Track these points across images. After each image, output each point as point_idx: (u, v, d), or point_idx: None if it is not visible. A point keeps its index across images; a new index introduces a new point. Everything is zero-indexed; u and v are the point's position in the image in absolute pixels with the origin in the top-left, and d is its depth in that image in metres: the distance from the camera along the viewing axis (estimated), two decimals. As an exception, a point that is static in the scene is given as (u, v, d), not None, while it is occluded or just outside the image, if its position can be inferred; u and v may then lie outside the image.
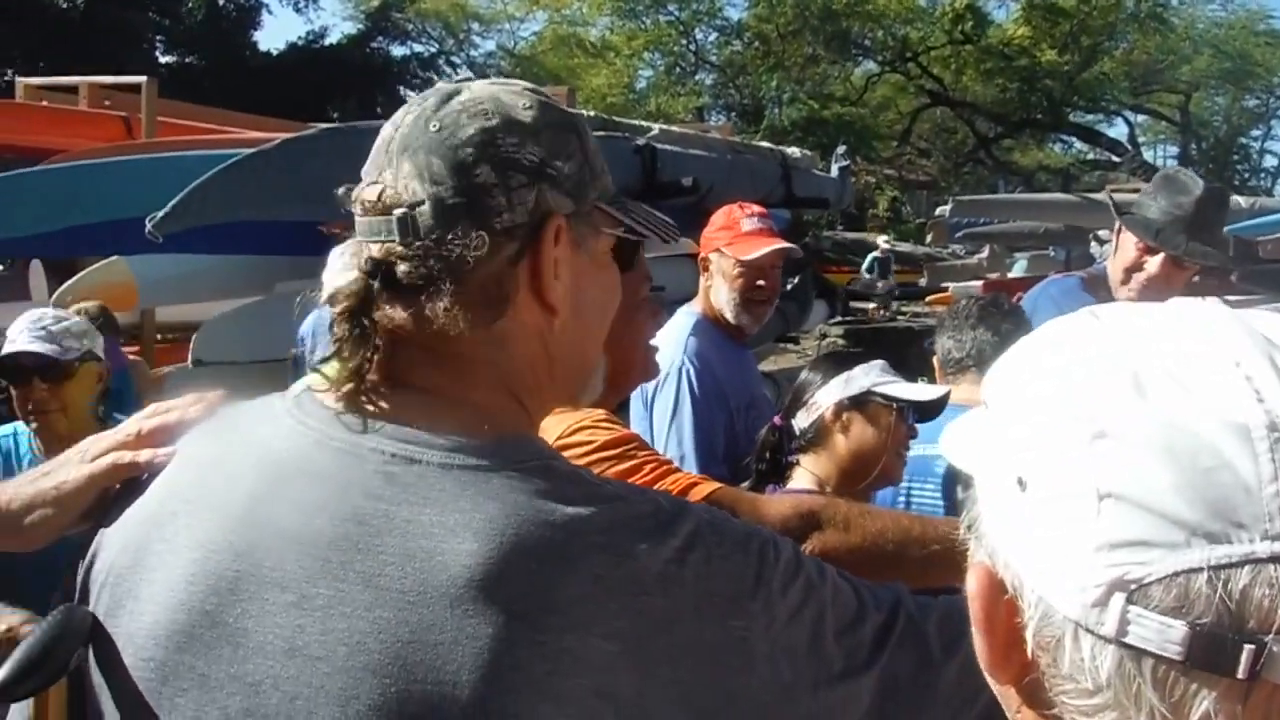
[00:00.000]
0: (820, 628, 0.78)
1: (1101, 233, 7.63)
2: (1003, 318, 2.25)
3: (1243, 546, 0.43)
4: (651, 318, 1.51)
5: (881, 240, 18.58)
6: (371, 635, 0.69)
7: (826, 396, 1.92)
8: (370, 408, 0.77)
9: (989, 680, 0.55)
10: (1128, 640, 0.44)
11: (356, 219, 0.81)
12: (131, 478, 0.85)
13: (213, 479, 0.80)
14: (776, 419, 2.00)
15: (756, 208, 2.69)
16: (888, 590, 0.86)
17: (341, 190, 0.83)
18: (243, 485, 0.77)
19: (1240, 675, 0.42)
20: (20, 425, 2.49)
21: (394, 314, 0.79)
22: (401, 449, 0.75)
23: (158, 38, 23.29)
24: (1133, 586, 0.44)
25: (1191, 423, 0.44)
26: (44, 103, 6.96)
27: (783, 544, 0.81)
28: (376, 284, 0.78)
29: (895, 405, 1.89)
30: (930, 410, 1.93)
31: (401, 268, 0.78)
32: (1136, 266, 2.44)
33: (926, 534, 1.20)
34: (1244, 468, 0.43)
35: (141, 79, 6.35)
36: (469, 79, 0.86)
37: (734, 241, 2.54)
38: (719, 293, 2.56)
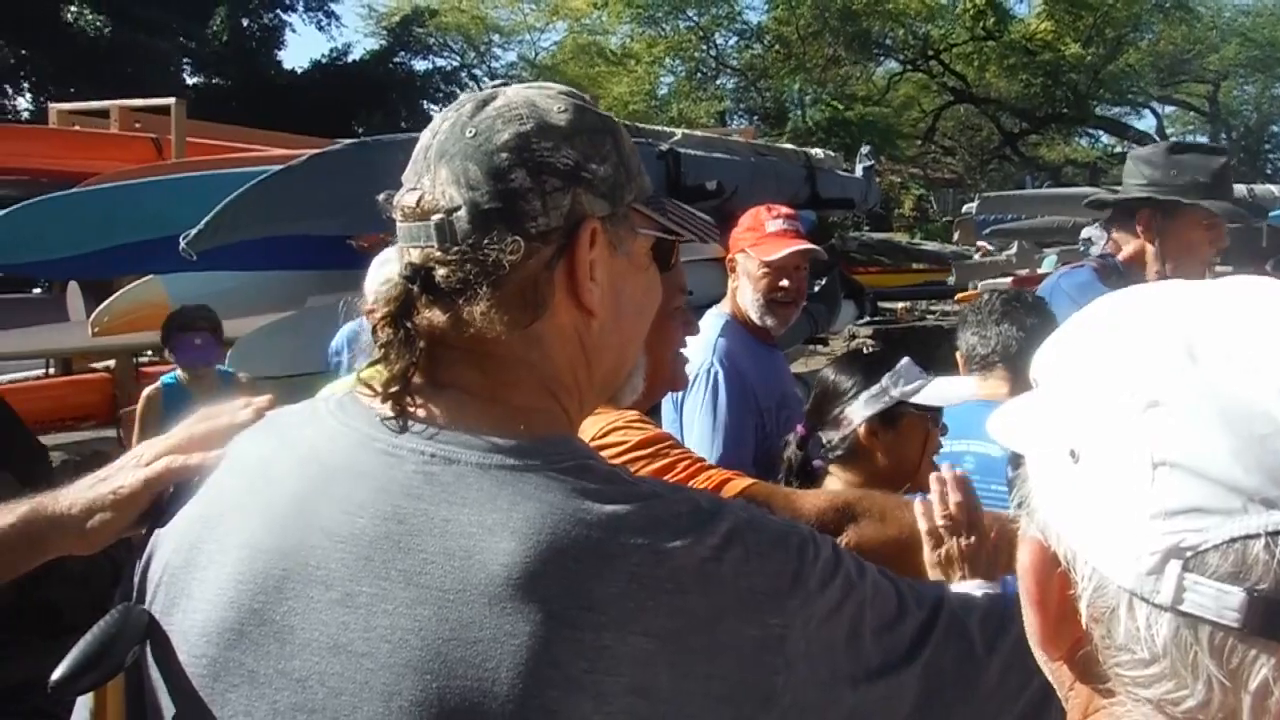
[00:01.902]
0: (859, 625, 0.78)
1: (1088, 233, 7.49)
2: (1027, 312, 2.22)
3: None
4: (684, 327, 1.52)
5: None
6: (413, 632, 0.70)
7: (857, 413, 1.87)
8: (412, 409, 0.79)
9: (1040, 659, 0.55)
10: (1184, 608, 0.44)
11: (397, 225, 0.83)
12: (184, 480, 0.88)
13: (259, 481, 0.82)
14: (801, 427, 1.98)
15: (784, 209, 2.69)
16: (931, 588, 0.86)
17: (382, 197, 0.85)
18: (288, 486, 0.79)
19: None
20: None
21: (433, 317, 0.80)
22: (440, 449, 0.76)
23: (184, 60, 23.60)
24: (1189, 554, 0.44)
25: (1247, 390, 0.45)
26: (76, 127, 7.09)
27: (822, 541, 0.81)
28: (416, 288, 0.79)
29: (929, 414, 1.86)
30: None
31: (440, 272, 0.79)
32: (1204, 247, 2.38)
33: None
34: None
35: (170, 101, 6.46)
36: (504, 83, 0.87)
37: (759, 243, 2.55)
38: (745, 294, 2.57)
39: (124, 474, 0.90)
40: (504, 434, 0.77)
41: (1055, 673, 0.54)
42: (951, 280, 17.24)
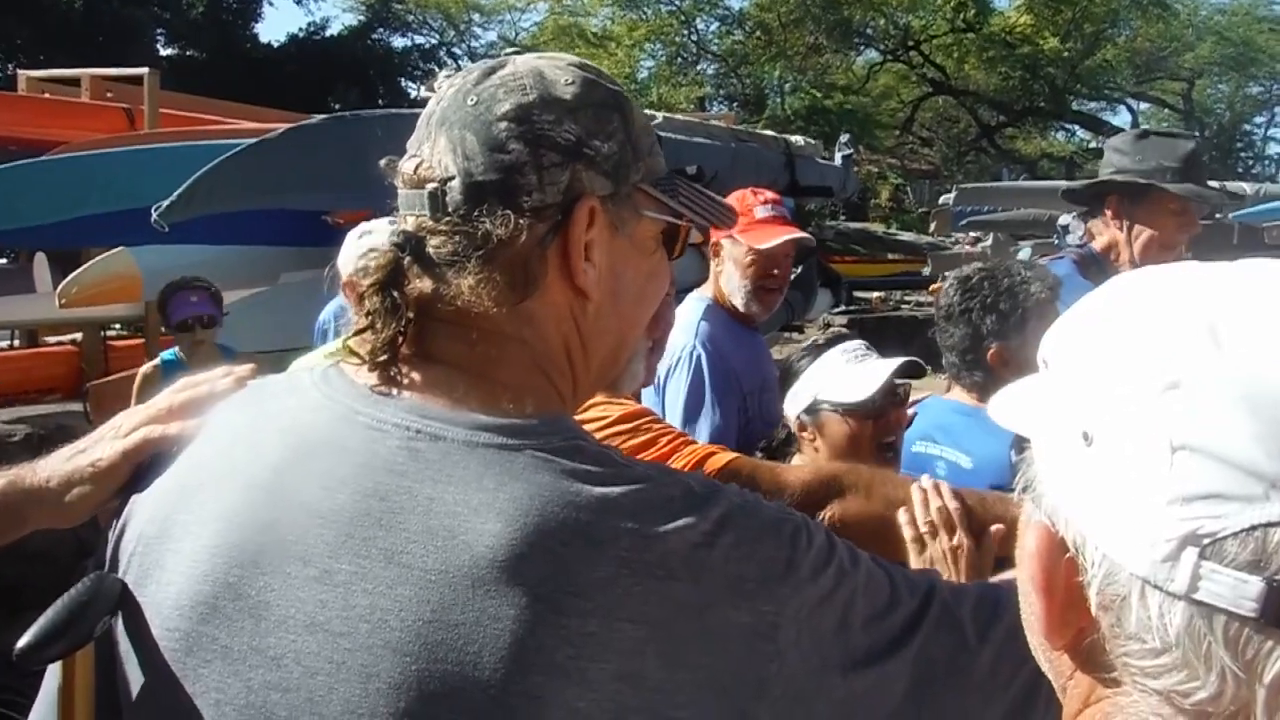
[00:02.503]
0: (851, 614, 0.77)
1: (1065, 220, 7.54)
2: (985, 310, 2.00)
3: None
4: (661, 323, 1.50)
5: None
6: (393, 613, 0.69)
7: (789, 407, 1.87)
8: (397, 380, 0.77)
9: (1039, 648, 0.54)
10: (1199, 597, 0.43)
11: (398, 192, 0.81)
12: (163, 450, 0.86)
13: (238, 451, 0.80)
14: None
15: (770, 194, 2.65)
16: (922, 576, 0.85)
17: (384, 162, 0.83)
18: (267, 458, 0.77)
19: None
20: None
21: (422, 287, 0.78)
22: (426, 425, 0.74)
23: (159, 31, 23.27)
24: (1206, 541, 0.43)
25: (1271, 374, 0.43)
26: (46, 95, 6.96)
27: (815, 529, 0.80)
28: (407, 257, 0.78)
29: (853, 409, 1.79)
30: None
31: (432, 242, 0.78)
32: (1174, 233, 2.36)
33: None
34: None
35: (143, 70, 6.34)
36: (517, 51, 0.85)
37: (748, 229, 2.50)
38: (730, 279, 2.53)
39: (102, 445, 0.88)
40: (492, 411, 0.75)
41: (1054, 662, 0.53)
42: (927, 271, 17.34)
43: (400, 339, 0.77)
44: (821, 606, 0.75)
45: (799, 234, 2.57)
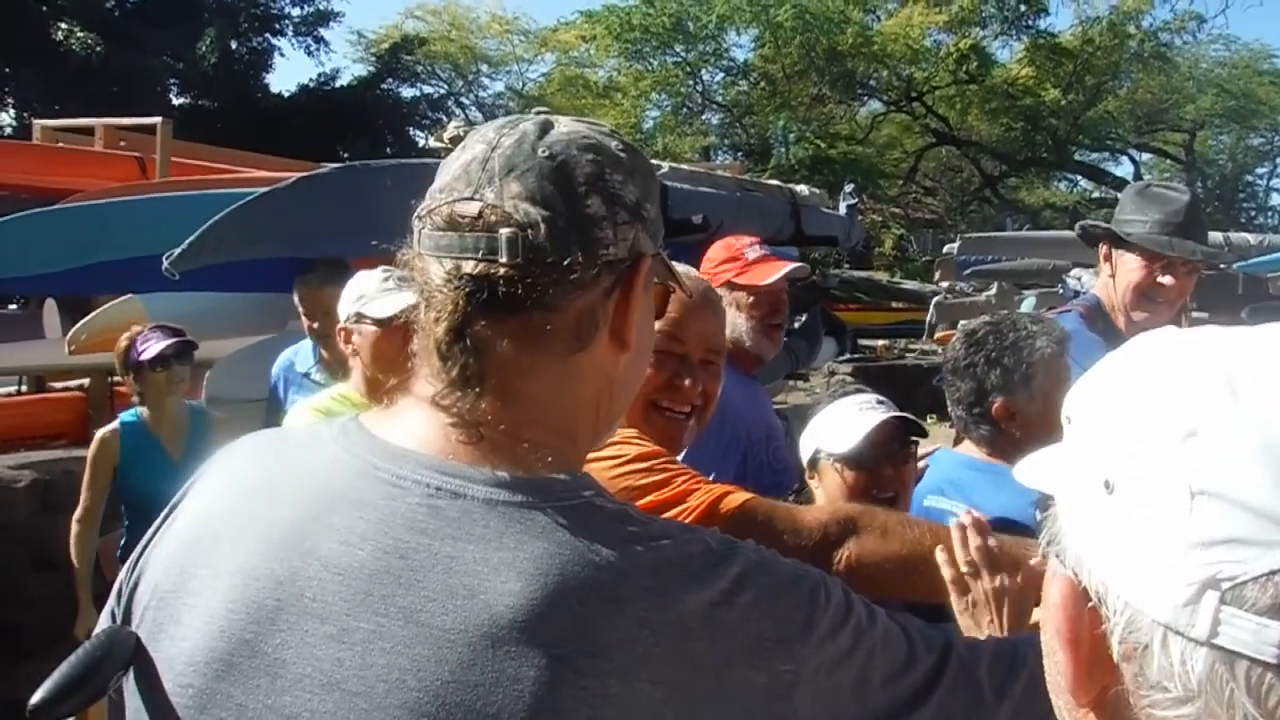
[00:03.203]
0: (868, 672, 0.76)
1: (1074, 274, 7.56)
2: (990, 364, 2.01)
3: None
4: (656, 381, 1.50)
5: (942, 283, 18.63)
6: (411, 672, 0.68)
7: (801, 454, 1.89)
8: (474, 429, 0.77)
9: (1063, 709, 0.54)
10: (1220, 642, 0.43)
11: (436, 234, 0.80)
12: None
13: (256, 504, 0.79)
14: None
15: (751, 237, 2.72)
16: (938, 632, 0.85)
17: (420, 209, 0.83)
18: (286, 512, 0.76)
19: None
20: None
21: (484, 333, 0.78)
22: (446, 482, 0.74)
23: (171, 81, 23.59)
24: (1226, 585, 0.43)
25: None
26: (60, 144, 7.04)
27: (833, 586, 0.80)
28: (474, 301, 0.78)
29: (847, 459, 1.78)
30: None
31: (503, 288, 0.77)
32: (1148, 283, 2.39)
33: None
34: None
35: (156, 120, 6.43)
36: (545, 111, 0.87)
37: (744, 271, 2.56)
38: (733, 325, 2.54)
39: None
40: (513, 469, 0.75)
41: None
42: (931, 319, 17.32)
43: (472, 380, 0.77)
44: (839, 665, 0.75)
45: (795, 264, 2.63)
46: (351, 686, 0.69)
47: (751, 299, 2.54)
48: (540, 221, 0.77)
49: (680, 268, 1.17)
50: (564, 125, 0.83)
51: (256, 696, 0.71)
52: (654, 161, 5.92)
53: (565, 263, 0.77)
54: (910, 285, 19.94)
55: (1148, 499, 0.46)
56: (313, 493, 0.77)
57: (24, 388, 7.43)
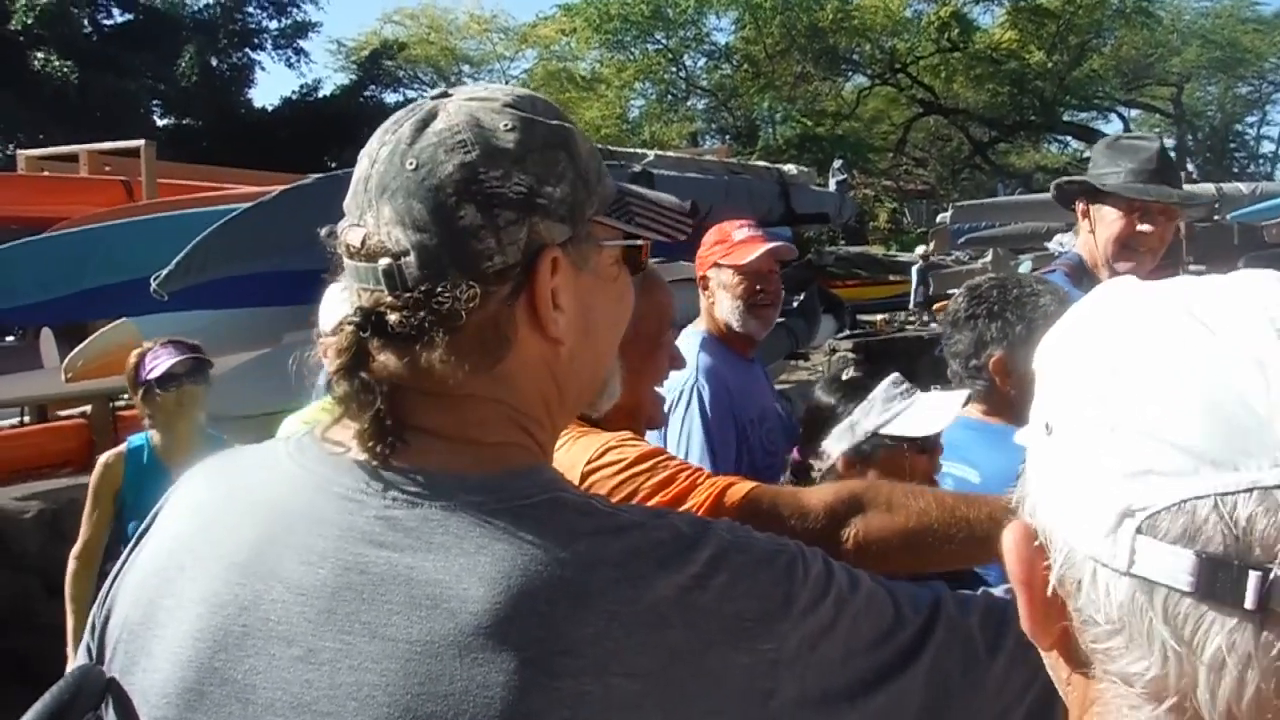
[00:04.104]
0: (854, 641, 0.75)
1: (1056, 240, 7.58)
2: (990, 317, 1.99)
3: (1250, 474, 0.42)
4: (670, 361, 1.50)
5: (919, 250, 18.66)
6: (380, 689, 0.66)
7: (834, 446, 1.81)
8: (383, 455, 0.74)
9: (1043, 653, 0.54)
10: (1137, 571, 0.44)
11: (345, 261, 0.77)
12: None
13: (215, 530, 0.77)
14: (796, 453, 1.93)
15: (744, 220, 2.74)
16: (927, 591, 0.83)
17: (324, 232, 0.79)
18: (246, 535, 0.75)
19: (1248, 606, 0.41)
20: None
21: (388, 362, 0.75)
22: (402, 493, 0.72)
23: (154, 102, 23.56)
24: (1141, 515, 0.44)
25: (1206, 357, 0.44)
26: (45, 173, 7.04)
27: (812, 558, 0.78)
28: (368, 334, 0.74)
29: (910, 443, 1.76)
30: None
31: (392, 318, 0.73)
32: (1128, 233, 2.39)
33: (972, 512, 1.17)
34: (1255, 397, 0.43)
35: (139, 143, 6.40)
36: (445, 93, 0.80)
37: (729, 252, 2.58)
38: (723, 305, 2.58)
39: None
40: (469, 472, 0.73)
41: (1053, 666, 0.53)
42: (907, 292, 17.36)
43: (382, 413, 0.73)
44: (824, 638, 0.73)
45: (777, 243, 2.63)
46: (322, 707, 0.67)
47: (737, 279, 2.56)
48: (410, 248, 0.72)
49: None
50: (442, 119, 0.75)
51: None
52: (639, 151, 5.93)
53: (442, 287, 0.72)
54: (906, 257, 19.94)
55: (1075, 437, 0.48)
56: (272, 513, 0.75)
57: (26, 419, 7.43)
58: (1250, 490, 0.42)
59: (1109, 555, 0.45)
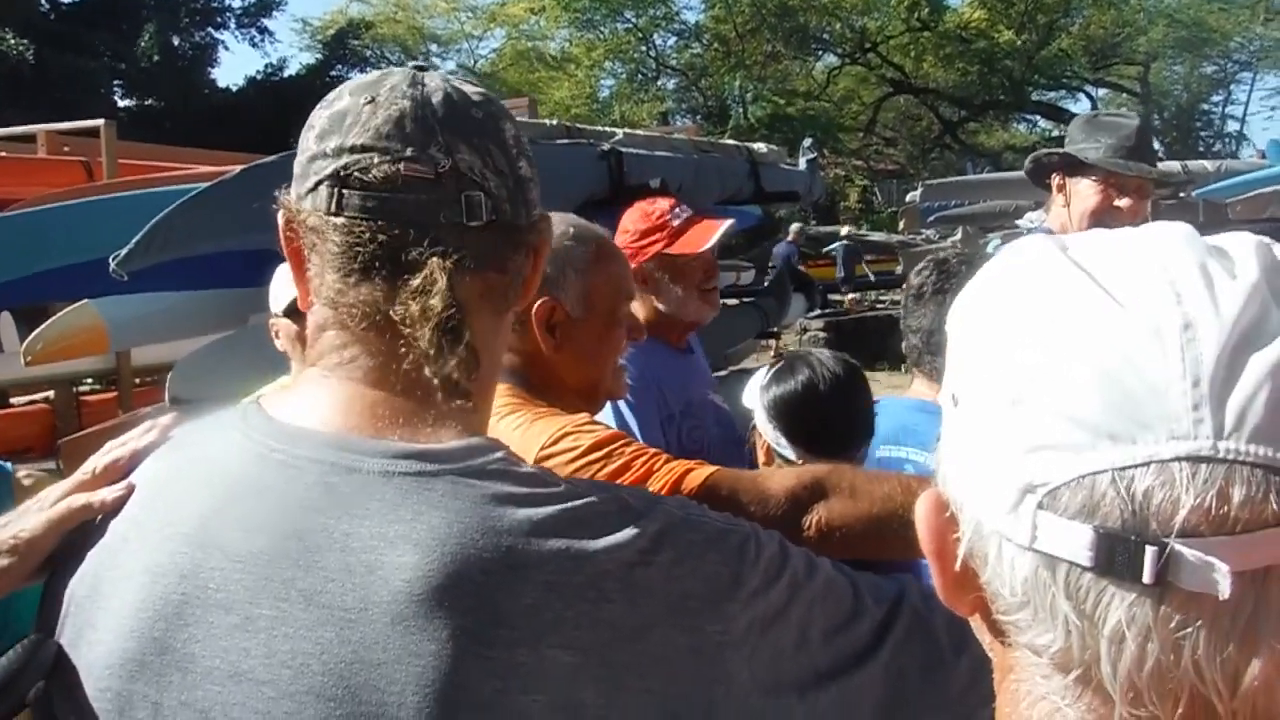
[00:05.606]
0: (807, 628, 0.74)
1: (1026, 217, 7.62)
2: (940, 295, 1.95)
3: (1147, 448, 0.41)
4: (629, 335, 1.47)
5: (844, 230, 18.65)
6: (314, 656, 0.66)
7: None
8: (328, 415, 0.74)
9: (977, 632, 0.53)
10: (1039, 546, 0.43)
11: (370, 195, 0.75)
12: (90, 518, 0.82)
13: (161, 501, 0.77)
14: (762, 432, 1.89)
15: (668, 199, 2.52)
16: (891, 583, 0.82)
17: (330, 164, 0.77)
18: (190, 505, 0.74)
19: (1146, 580, 0.41)
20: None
21: (464, 295, 0.76)
22: (341, 458, 0.71)
23: (115, 82, 23.16)
24: (1042, 491, 0.43)
25: (1104, 326, 0.44)
26: (2, 154, 6.90)
27: (767, 539, 0.77)
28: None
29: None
30: None
31: (469, 250, 0.76)
32: (1105, 208, 2.42)
33: None
34: (1152, 368, 0.42)
35: (99, 123, 6.29)
36: (421, 67, 0.82)
37: (674, 239, 2.34)
38: (670, 296, 2.34)
39: (26, 518, 0.85)
40: (413, 439, 0.72)
41: (978, 630, 0.53)
42: (899, 269, 17.40)
43: (456, 344, 0.74)
44: (775, 622, 0.72)
45: (728, 222, 2.44)
46: (258, 675, 0.67)
47: (690, 267, 2.32)
48: (495, 181, 0.77)
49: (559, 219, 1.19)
50: (471, 86, 0.82)
51: (170, 693, 0.70)
52: (608, 129, 5.89)
53: (518, 223, 0.79)
54: (877, 237, 19.97)
55: (980, 410, 0.47)
56: (215, 482, 0.75)
57: (-13, 404, 7.31)
58: (1147, 464, 0.41)
59: (1012, 530, 0.44)
